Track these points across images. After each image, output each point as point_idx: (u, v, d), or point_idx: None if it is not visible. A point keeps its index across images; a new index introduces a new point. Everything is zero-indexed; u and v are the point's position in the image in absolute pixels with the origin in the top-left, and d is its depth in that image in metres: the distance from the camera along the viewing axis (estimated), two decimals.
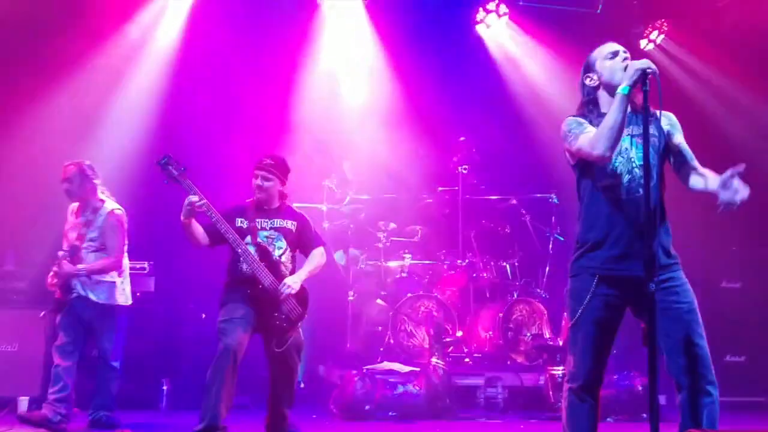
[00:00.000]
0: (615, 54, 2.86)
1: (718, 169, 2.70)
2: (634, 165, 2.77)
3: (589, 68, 2.92)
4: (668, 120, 2.86)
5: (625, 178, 2.77)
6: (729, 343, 6.01)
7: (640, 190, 2.71)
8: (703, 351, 2.68)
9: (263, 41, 6.72)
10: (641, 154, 2.67)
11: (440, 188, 6.87)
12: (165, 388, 5.72)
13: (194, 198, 3.88)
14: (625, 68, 2.72)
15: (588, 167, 2.84)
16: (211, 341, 3.98)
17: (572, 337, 2.84)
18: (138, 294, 5.84)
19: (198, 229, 4.03)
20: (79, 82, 6.27)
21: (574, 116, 2.89)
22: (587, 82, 2.91)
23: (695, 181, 2.81)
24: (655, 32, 7.32)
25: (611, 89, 2.78)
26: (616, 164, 2.77)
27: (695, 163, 2.85)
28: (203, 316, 5.79)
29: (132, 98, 6.53)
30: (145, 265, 5.90)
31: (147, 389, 5.67)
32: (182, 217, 3.93)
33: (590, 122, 2.83)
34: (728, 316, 6.03)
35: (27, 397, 5.24)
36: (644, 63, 2.64)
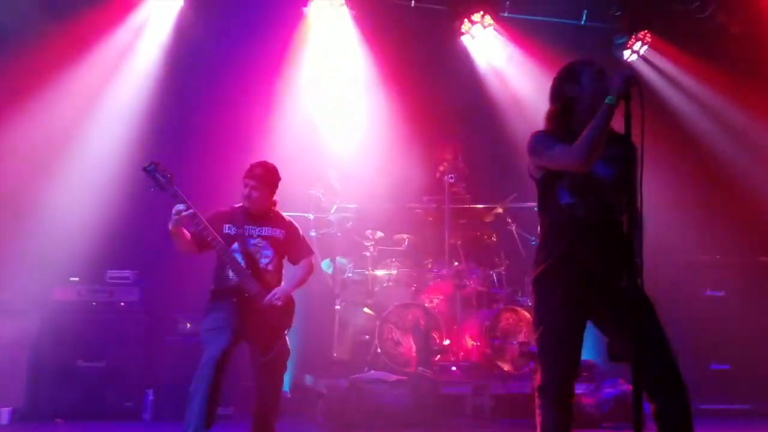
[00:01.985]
0: (603, 75, 2.81)
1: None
2: (598, 183, 2.75)
3: (572, 78, 2.88)
4: (632, 149, 2.71)
5: (590, 195, 2.75)
6: (714, 351, 6.04)
7: (602, 209, 2.71)
8: (669, 359, 2.68)
9: (249, 50, 6.71)
10: (606, 174, 2.71)
11: (426, 197, 6.88)
12: (149, 398, 5.65)
13: (181, 207, 3.84)
14: (608, 90, 2.66)
15: (552, 183, 2.81)
16: (196, 351, 3.93)
17: (539, 351, 2.84)
18: (122, 303, 5.82)
19: (185, 237, 3.99)
20: (63, 90, 6.22)
21: (542, 131, 2.87)
22: (567, 91, 2.88)
23: None
24: (639, 43, 7.39)
25: (591, 108, 2.73)
26: (581, 182, 2.75)
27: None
28: (188, 325, 5.75)
29: (117, 105, 6.48)
30: (129, 274, 5.86)
31: (131, 399, 5.60)
32: (170, 226, 3.88)
33: (559, 138, 2.79)
34: (713, 324, 6.05)
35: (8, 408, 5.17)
36: (628, 74, 2.65)
